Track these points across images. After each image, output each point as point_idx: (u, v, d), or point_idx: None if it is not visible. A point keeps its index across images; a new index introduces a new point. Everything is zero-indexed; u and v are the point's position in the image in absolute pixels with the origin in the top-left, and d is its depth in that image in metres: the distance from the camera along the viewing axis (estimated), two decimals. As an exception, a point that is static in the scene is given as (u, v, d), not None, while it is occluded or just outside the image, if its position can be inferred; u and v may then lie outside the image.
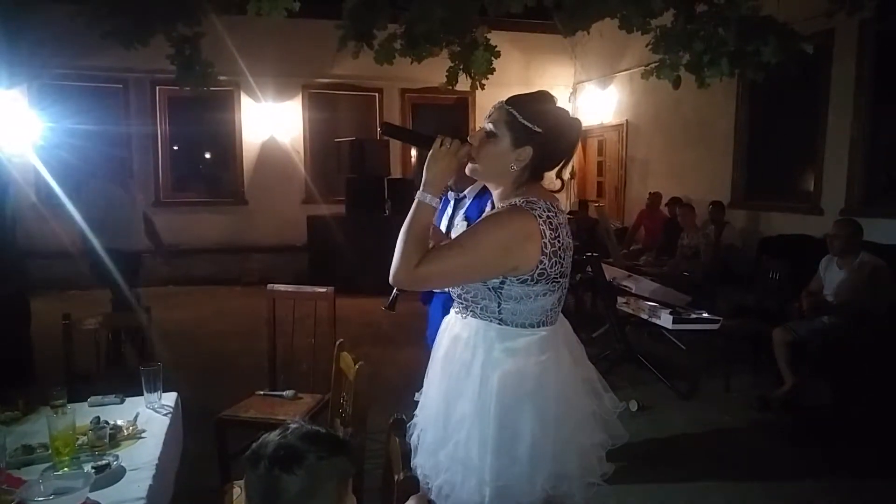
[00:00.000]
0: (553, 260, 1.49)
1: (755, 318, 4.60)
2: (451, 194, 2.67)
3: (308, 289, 3.25)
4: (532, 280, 1.49)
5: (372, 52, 5.15)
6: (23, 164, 7.41)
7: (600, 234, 6.47)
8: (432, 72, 6.06)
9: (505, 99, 1.57)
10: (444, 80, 5.70)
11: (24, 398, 2.23)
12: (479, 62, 5.53)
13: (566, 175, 1.64)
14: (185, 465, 2.31)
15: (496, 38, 5.66)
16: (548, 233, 1.48)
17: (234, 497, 2.14)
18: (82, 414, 2.10)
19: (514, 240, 1.47)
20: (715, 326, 4.29)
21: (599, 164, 9.82)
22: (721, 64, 4.26)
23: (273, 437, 1.13)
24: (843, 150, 5.64)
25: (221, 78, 6.05)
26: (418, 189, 1.52)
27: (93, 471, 1.74)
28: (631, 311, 4.70)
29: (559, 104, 1.59)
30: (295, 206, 8.93)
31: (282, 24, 5.38)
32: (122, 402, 2.32)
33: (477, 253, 1.47)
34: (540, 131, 1.52)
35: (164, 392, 2.32)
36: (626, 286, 4.96)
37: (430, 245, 1.54)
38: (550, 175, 1.62)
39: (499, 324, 1.54)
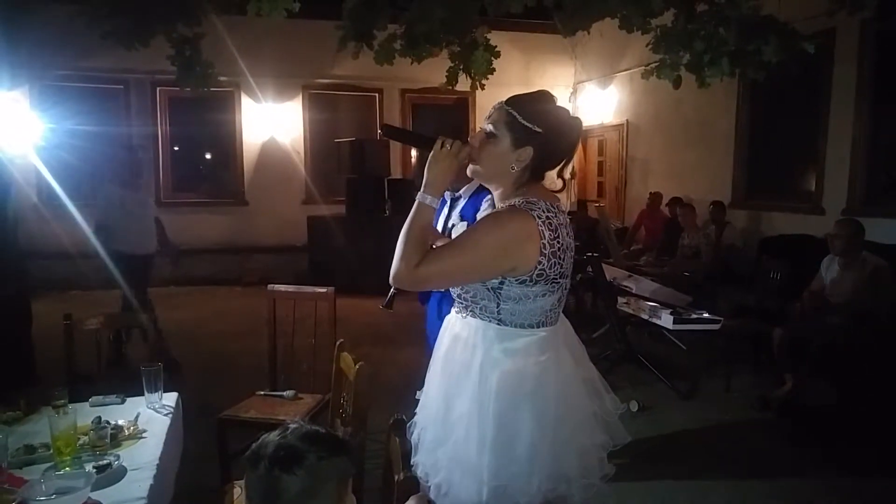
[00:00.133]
0: (552, 261, 1.49)
1: (756, 319, 4.59)
2: (447, 194, 2.68)
3: (308, 289, 3.26)
4: (531, 281, 1.49)
5: (372, 52, 5.15)
6: (24, 165, 7.43)
7: (601, 235, 6.47)
8: (432, 72, 6.05)
9: (505, 99, 1.56)
10: (444, 80, 5.70)
11: (25, 398, 2.24)
12: (479, 62, 5.52)
13: (567, 174, 1.63)
14: (186, 465, 2.31)
15: (496, 38, 5.65)
16: (547, 233, 1.47)
17: (235, 497, 2.14)
18: (83, 414, 2.11)
19: (512, 241, 1.47)
20: (716, 327, 4.28)
21: (600, 164, 9.82)
22: (722, 63, 4.26)
23: (273, 437, 1.13)
24: (844, 149, 5.64)
25: (222, 79, 6.05)
26: (419, 190, 1.52)
27: (94, 470, 1.75)
28: (631, 312, 4.69)
29: (559, 104, 1.59)
30: (295, 207, 8.94)
31: (282, 25, 5.38)
32: (123, 402, 2.32)
33: (475, 254, 1.47)
34: (540, 131, 1.51)
35: (164, 392, 2.32)
36: (626, 286, 4.95)
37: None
38: (552, 174, 1.61)
39: (498, 324, 1.54)
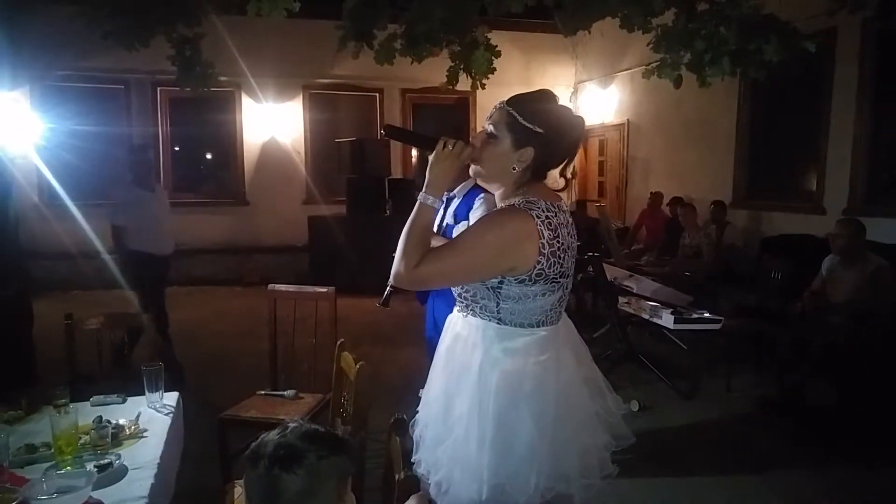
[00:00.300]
0: (552, 260, 1.48)
1: (757, 318, 4.59)
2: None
3: (309, 289, 3.26)
4: (530, 280, 1.49)
5: (372, 52, 5.15)
6: (25, 165, 7.45)
7: (601, 234, 6.47)
8: (432, 72, 6.05)
9: (506, 99, 1.56)
10: (445, 80, 5.70)
11: (26, 398, 2.24)
12: (479, 62, 5.52)
13: (569, 174, 1.62)
14: (187, 465, 2.31)
15: (496, 37, 5.65)
16: (546, 233, 1.47)
17: (236, 496, 2.14)
18: (84, 413, 2.12)
19: (510, 240, 1.46)
20: (716, 326, 4.28)
21: (601, 163, 9.82)
22: (722, 63, 4.25)
23: (273, 436, 1.13)
24: (845, 149, 5.63)
25: (222, 79, 6.06)
26: (419, 190, 1.52)
27: (95, 470, 1.75)
28: (632, 311, 4.69)
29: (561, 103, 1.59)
30: (296, 207, 8.94)
31: (282, 25, 5.38)
32: (124, 401, 2.32)
33: (474, 253, 1.47)
34: (541, 132, 1.51)
35: (165, 391, 2.33)
36: (627, 286, 4.95)
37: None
38: (554, 173, 1.60)
39: (497, 323, 1.54)
